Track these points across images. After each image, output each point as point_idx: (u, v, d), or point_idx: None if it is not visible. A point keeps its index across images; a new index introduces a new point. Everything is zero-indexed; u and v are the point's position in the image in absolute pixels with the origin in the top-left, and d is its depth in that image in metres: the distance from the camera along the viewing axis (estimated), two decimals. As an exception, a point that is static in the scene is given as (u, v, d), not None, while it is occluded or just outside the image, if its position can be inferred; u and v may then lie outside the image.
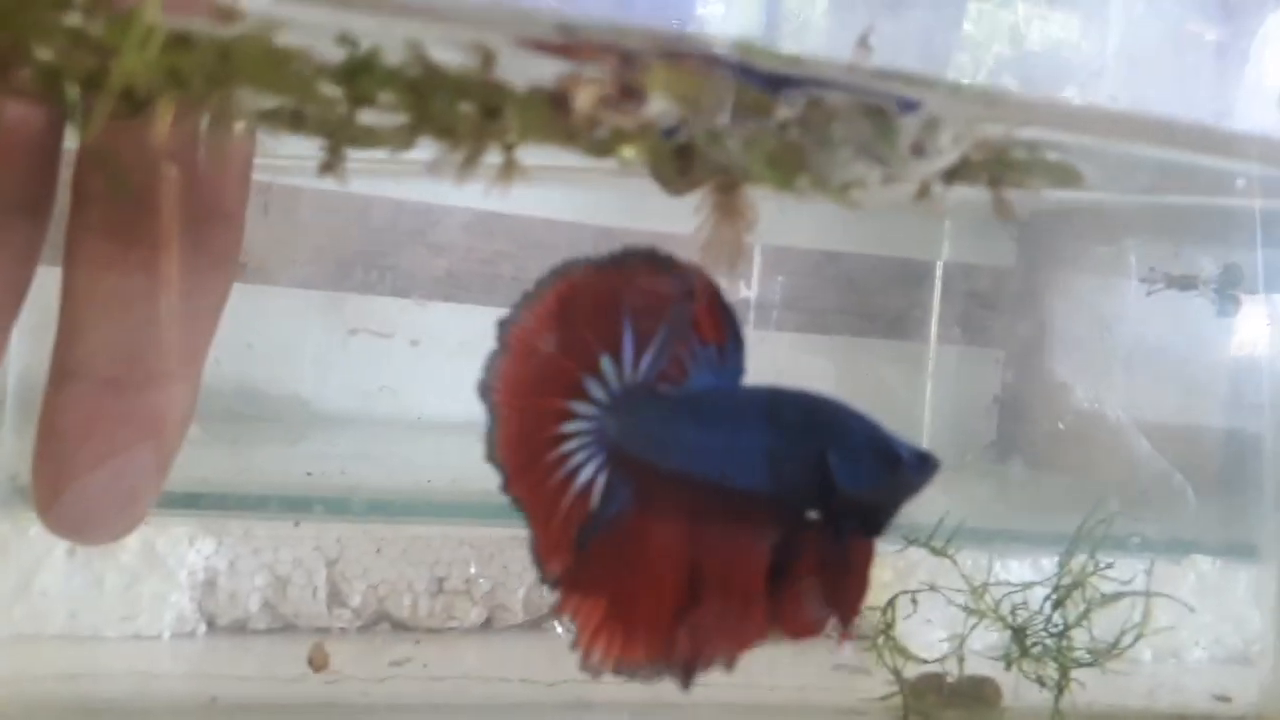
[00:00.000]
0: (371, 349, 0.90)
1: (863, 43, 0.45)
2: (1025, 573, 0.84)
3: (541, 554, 0.38)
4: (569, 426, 0.39)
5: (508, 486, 0.38)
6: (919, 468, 0.38)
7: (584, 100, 0.30)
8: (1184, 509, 0.89)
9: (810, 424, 0.38)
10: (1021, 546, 0.88)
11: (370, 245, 0.89)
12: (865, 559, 0.38)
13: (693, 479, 0.38)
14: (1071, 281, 1.02)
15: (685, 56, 0.32)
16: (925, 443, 0.40)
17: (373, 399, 0.94)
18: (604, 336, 0.38)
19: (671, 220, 0.45)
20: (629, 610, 0.37)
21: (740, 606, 0.37)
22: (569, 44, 0.32)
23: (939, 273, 1.11)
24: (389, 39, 0.35)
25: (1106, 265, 0.91)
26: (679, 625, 0.37)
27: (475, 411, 0.40)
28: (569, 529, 0.38)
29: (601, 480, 0.38)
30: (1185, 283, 0.75)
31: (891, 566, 0.86)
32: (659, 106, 0.31)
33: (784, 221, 0.44)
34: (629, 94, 0.31)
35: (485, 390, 0.39)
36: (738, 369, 0.39)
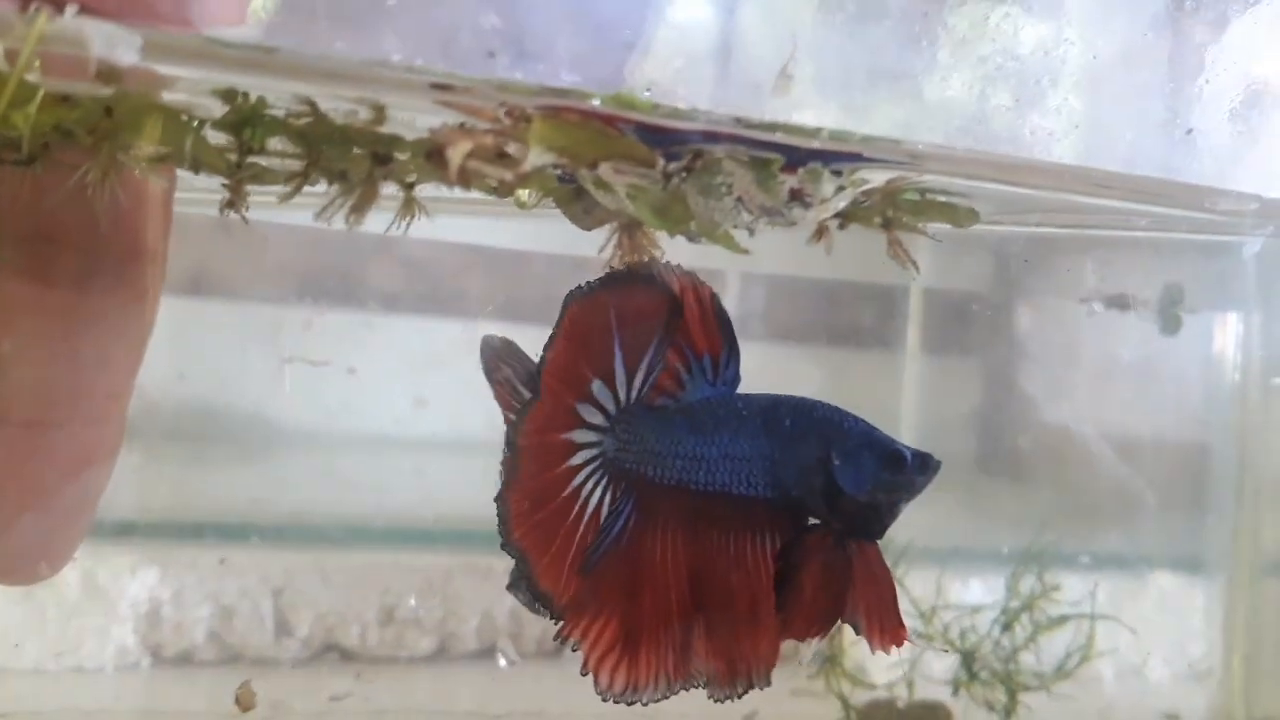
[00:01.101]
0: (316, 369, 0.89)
1: (784, 74, 0.45)
2: (977, 592, 0.84)
3: (546, 586, 0.38)
4: (576, 459, 0.39)
5: (511, 528, 0.39)
6: (921, 468, 0.39)
7: (457, 155, 0.30)
8: (1145, 513, 0.89)
9: (809, 429, 0.39)
10: (981, 564, 0.87)
11: (325, 261, 0.88)
12: (880, 561, 0.38)
13: (693, 491, 0.38)
14: (1037, 302, 1.02)
15: (564, 110, 0.31)
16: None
17: (323, 418, 0.93)
18: (595, 361, 0.38)
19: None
20: (637, 629, 0.38)
21: (749, 617, 0.38)
22: (452, 101, 0.31)
23: (913, 294, 1.11)
24: (277, 93, 0.36)
25: (1065, 288, 0.90)
26: (687, 641, 0.38)
27: (428, 430, 0.40)
28: (576, 557, 0.38)
29: (595, 500, 0.39)
30: (1120, 302, 0.75)
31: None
32: (538, 159, 0.31)
33: (753, 247, 0.44)
34: (512, 146, 0.31)
35: (511, 435, 0.40)
36: (734, 378, 0.39)
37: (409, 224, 0.41)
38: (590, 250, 0.41)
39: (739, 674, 0.38)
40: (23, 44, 0.27)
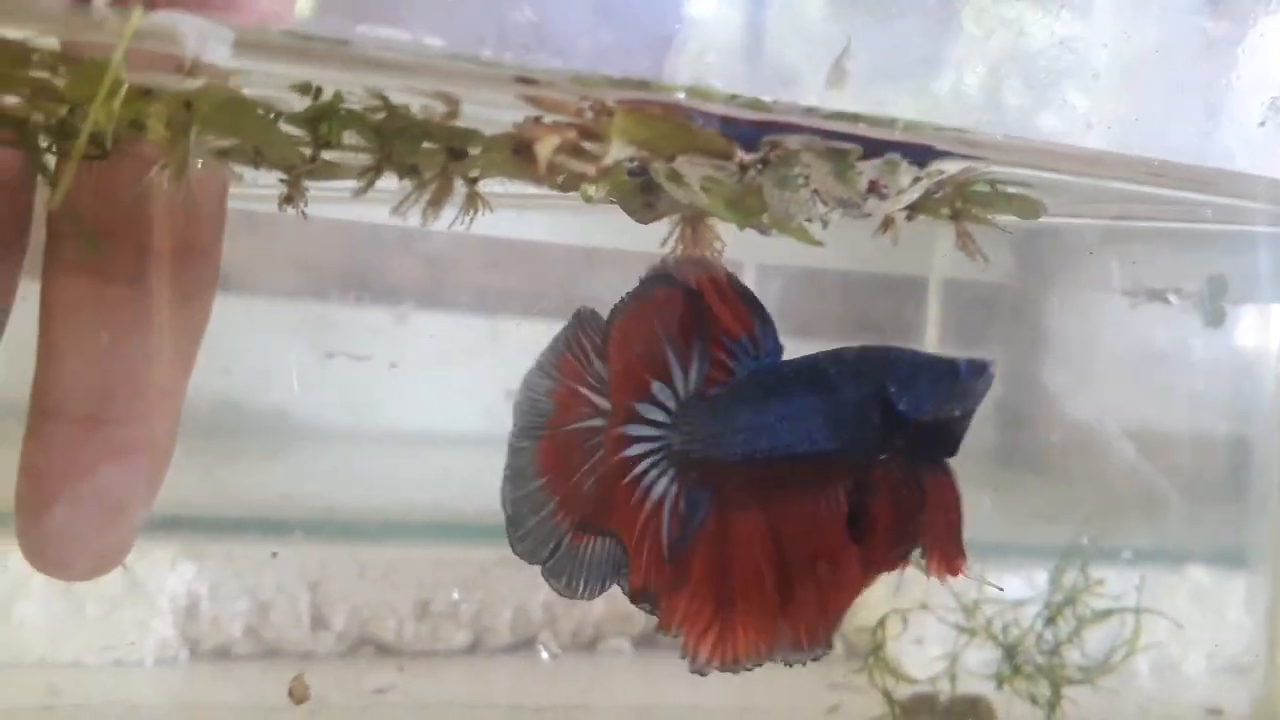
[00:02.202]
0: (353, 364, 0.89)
1: (839, 66, 0.45)
2: (1020, 587, 0.83)
3: (634, 577, 0.39)
4: (633, 450, 0.40)
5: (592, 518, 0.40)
6: (976, 372, 0.39)
7: (545, 149, 0.30)
8: (1168, 516, 0.88)
9: (857, 369, 0.39)
10: (1016, 559, 0.87)
11: (353, 256, 0.88)
12: (953, 488, 0.39)
13: (759, 461, 0.39)
14: (1066, 294, 1.02)
15: (646, 103, 0.31)
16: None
17: (355, 413, 0.93)
18: (650, 365, 0.39)
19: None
20: (732, 605, 0.38)
21: (831, 563, 0.38)
22: (535, 95, 0.31)
23: (933, 286, 1.11)
24: (352, 86, 0.36)
25: (1098, 278, 0.90)
26: (780, 606, 0.38)
27: (458, 426, 0.41)
28: (655, 547, 0.39)
29: (672, 494, 0.40)
30: (1163, 295, 0.75)
31: (884, 582, 0.85)
32: (620, 152, 0.31)
33: (772, 239, 0.45)
34: (592, 140, 0.31)
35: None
36: (775, 347, 0.40)
37: (473, 219, 0.41)
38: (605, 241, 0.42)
39: (822, 629, 0.39)
40: (118, 40, 0.27)
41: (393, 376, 0.82)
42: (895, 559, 0.39)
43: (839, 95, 0.55)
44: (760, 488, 0.39)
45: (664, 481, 0.40)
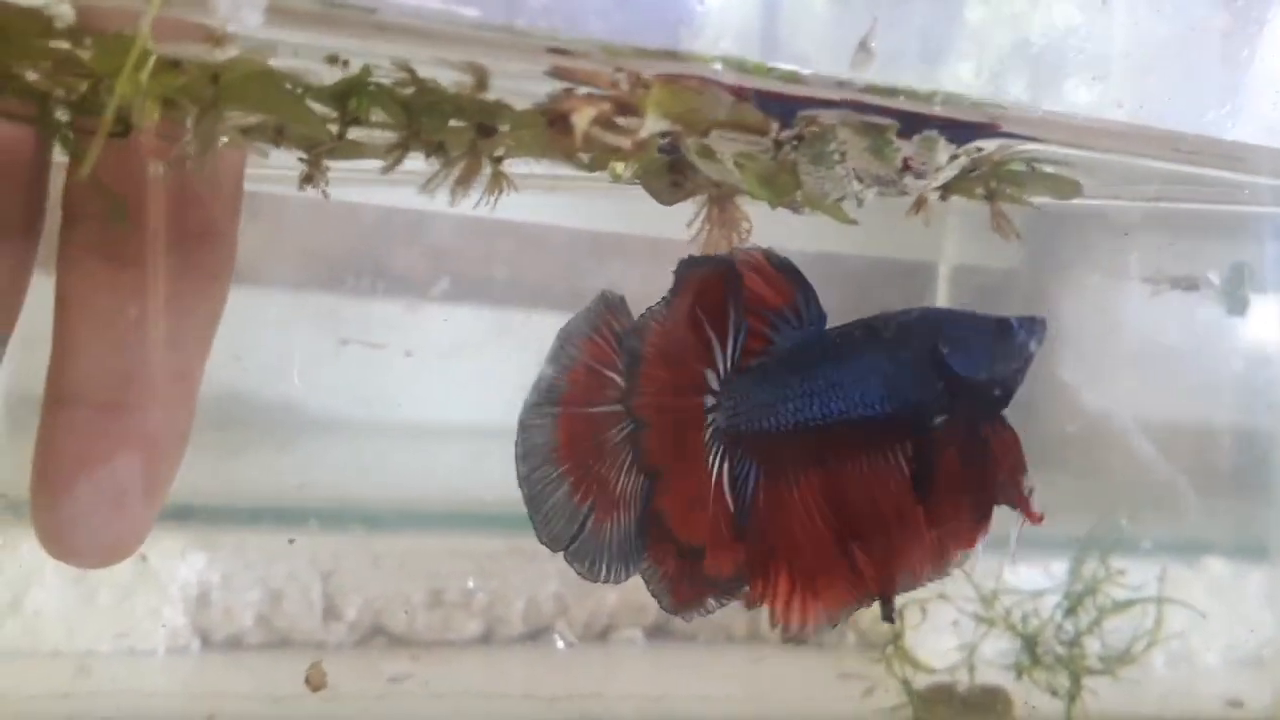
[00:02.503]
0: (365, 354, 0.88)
1: (864, 47, 0.44)
2: (1036, 577, 0.83)
3: (714, 571, 0.39)
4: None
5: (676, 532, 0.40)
6: (1030, 329, 0.39)
7: (583, 120, 0.29)
8: (1186, 511, 0.88)
9: (910, 331, 0.39)
10: (1033, 551, 0.86)
11: (362, 247, 0.88)
12: (1013, 440, 0.38)
13: (815, 427, 0.39)
14: (1078, 281, 1.01)
15: (683, 76, 0.30)
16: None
17: (366, 404, 0.93)
18: (694, 349, 0.39)
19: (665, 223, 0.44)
20: (807, 572, 0.39)
21: (899, 528, 0.38)
22: (569, 67, 0.31)
23: (942, 272, 1.10)
24: (379, 59, 0.35)
25: (1112, 265, 0.89)
26: (854, 564, 0.39)
27: (471, 416, 0.40)
28: (727, 523, 0.39)
29: (727, 469, 0.39)
30: (1187, 283, 0.74)
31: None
32: (655, 126, 0.30)
33: (780, 223, 0.44)
34: (627, 114, 0.30)
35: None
36: (819, 315, 0.39)
37: (497, 199, 0.41)
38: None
39: (899, 585, 0.39)
40: (145, 6, 0.26)
41: (406, 366, 0.81)
42: (973, 522, 0.38)
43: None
44: (815, 455, 0.39)
45: (714, 460, 0.39)
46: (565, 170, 0.40)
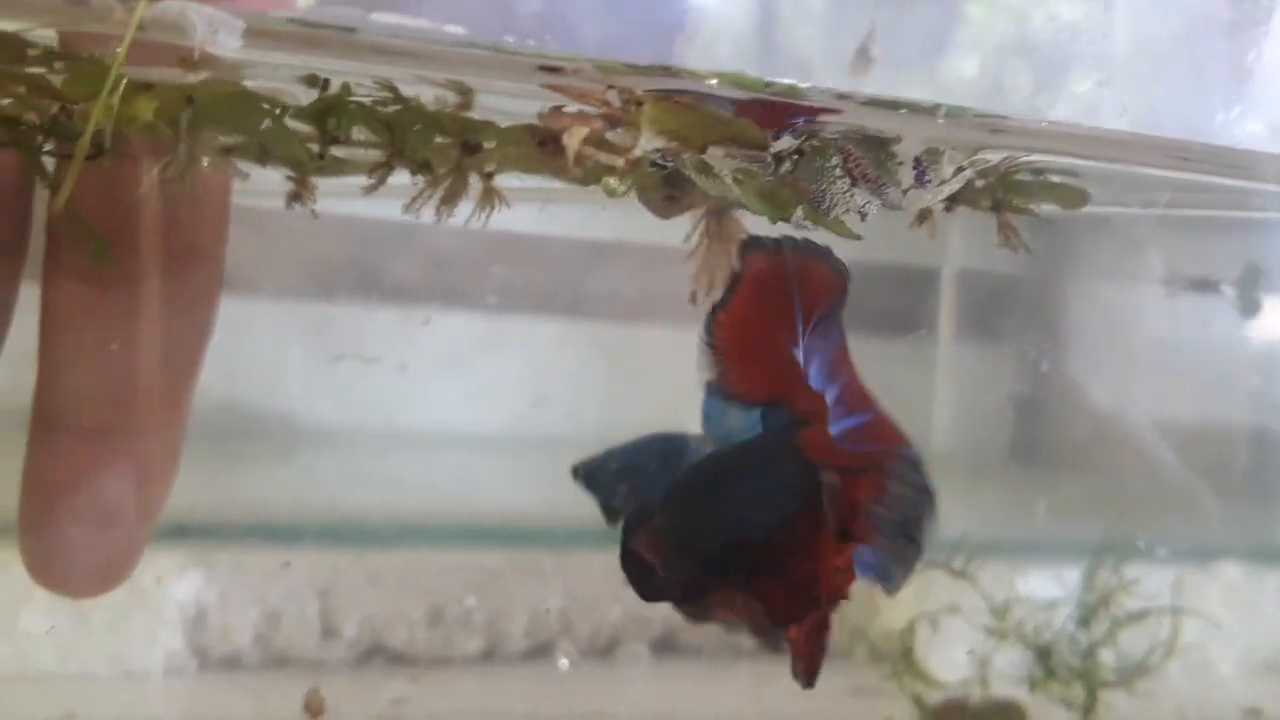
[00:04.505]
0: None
1: (863, 53, 0.42)
2: (1047, 585, 0.82)
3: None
4: None
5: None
6: None
7: (575, 140, 0.28)
8: (1204, 515, 0.86)
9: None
10: (1042, 557, 0.85)
11: (354, 253, 0.87)
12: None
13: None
14: (1087, 283, 0.99)
15: (677, 92, 0.29)
16: (936, 444, 0.38)
17: (363, 415, 0.92)
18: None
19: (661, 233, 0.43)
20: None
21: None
22: (560, 84, 0.29)
23: (945, 277, 1.08)
24: (361, 77, 0.34)
25: (1122, 268, 0.88)
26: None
27: (471, 428, 0.39)
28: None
29: None
30: (1205, 285, 0.72)
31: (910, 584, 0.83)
32: (650, 143, 0.29)
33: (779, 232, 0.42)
34: (619, 130, 0.29)
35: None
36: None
37: (489, 215, 0.40)
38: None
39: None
40: (122, 29, 0.25)
41: (404, 378, 0.80)
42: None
43: (862, 84, 0.53)
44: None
45: None
46: (558, 184, 0.39)
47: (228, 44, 0.26)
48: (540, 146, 0.31)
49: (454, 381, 0.86)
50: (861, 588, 0.37)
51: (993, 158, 0.36)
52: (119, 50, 0.29)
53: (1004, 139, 0.37)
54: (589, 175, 0.37)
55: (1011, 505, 0.97)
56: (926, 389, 1.08)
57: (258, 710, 0.80)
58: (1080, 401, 0.96)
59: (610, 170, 0.30)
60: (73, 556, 0.40)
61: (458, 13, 0.51)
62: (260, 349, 0.78)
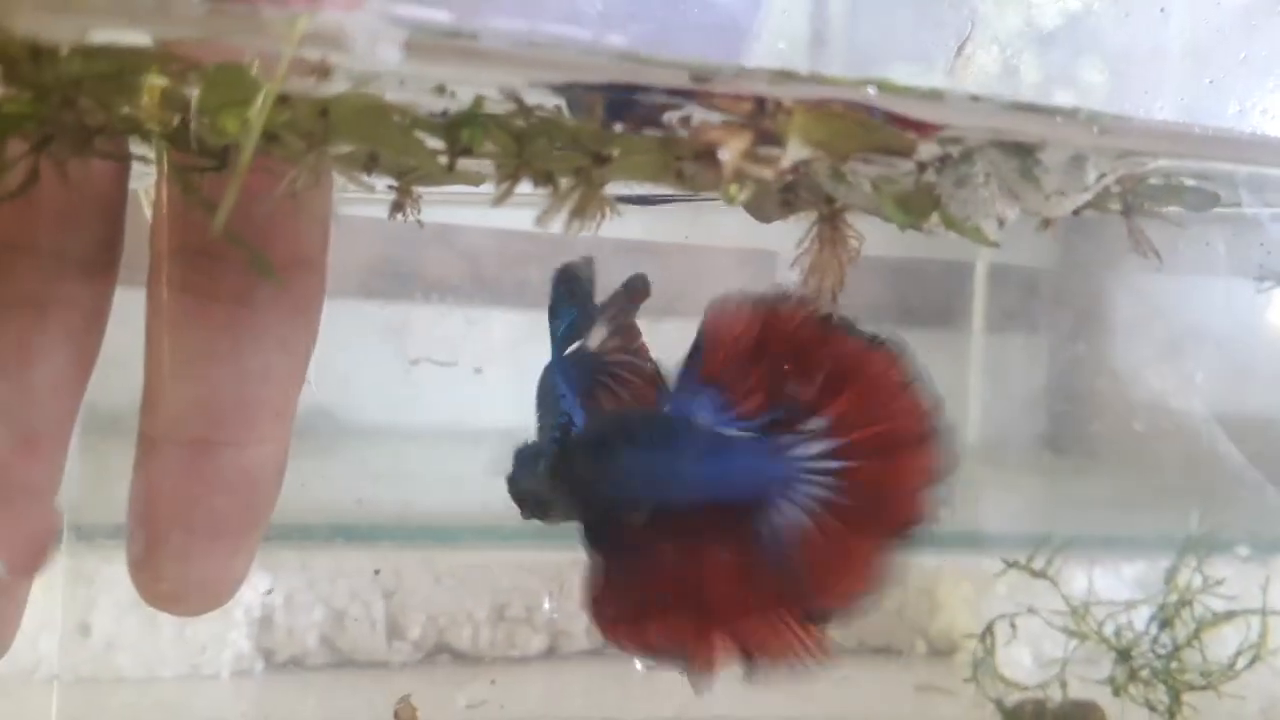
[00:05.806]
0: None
1: (960, 52, 0.42)
2: (1111, 581, 0.81)
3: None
4: None
5: None
6: None
7: (735, 152, 0.27)
8: (1266, 509, 0.85)
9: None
10: (1106, 552, 0.84)
11: (394, 251, 0.86)
12: None
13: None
14: (1129, 277, 0.98)
15: (827, 101, 0.28)
16: (971, 435, 0.38)
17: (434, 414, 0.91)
18: None
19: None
20: None
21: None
22: (709, 91, 0.29)
23: (979, 271, 1.07)
24: (475, 85, 0.33)
25: (1182, 259, 0.86)
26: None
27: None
28: None
29: None
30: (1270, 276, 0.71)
31: (969, 580, 0.82)
32: (798, 154, 0.28)
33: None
34: (767, 142, 0.28)
35: None
36: None
37: (600, 224, 0.39)
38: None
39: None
40: (283, 45, 0.25)
41: (472, 378, 0.80)
42: None
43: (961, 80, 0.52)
44: None
45: None
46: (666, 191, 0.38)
47: (389, 57, 0.25)
48: (696, 160, 0.30)
49: (523, 384, 0.86)
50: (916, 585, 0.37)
51: (1141, 164, 0.35)
52: (253, 60, 0.29)
53: (1135, 142, 0.36)
54: (701, 181, 0.36)
55: (1073, 500, 0.96)
56: (961, 381, 1.07)
57: (324, 711, 0.80)
58: (1137, 395, 0.95)
59: (757, 180, 0.30)
60: (184, 575, 0.39)
61: (530, 12, 0.51)
62: (332, 350, 0.78)
